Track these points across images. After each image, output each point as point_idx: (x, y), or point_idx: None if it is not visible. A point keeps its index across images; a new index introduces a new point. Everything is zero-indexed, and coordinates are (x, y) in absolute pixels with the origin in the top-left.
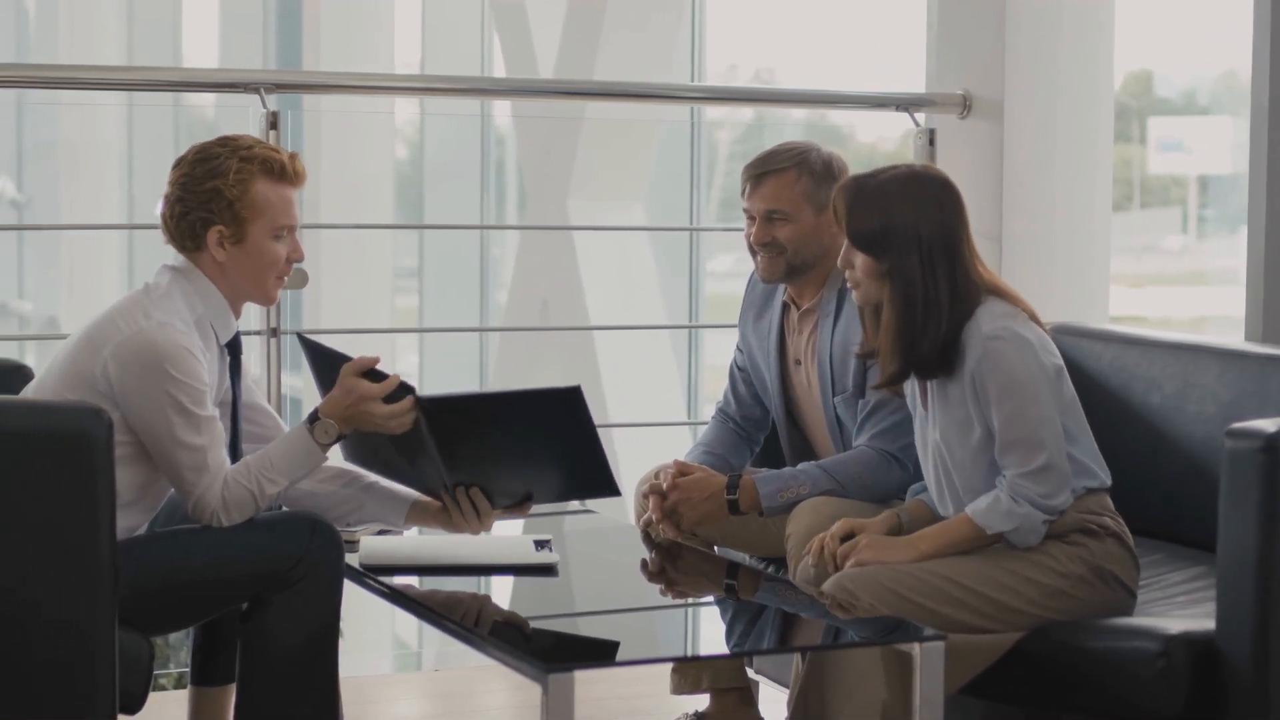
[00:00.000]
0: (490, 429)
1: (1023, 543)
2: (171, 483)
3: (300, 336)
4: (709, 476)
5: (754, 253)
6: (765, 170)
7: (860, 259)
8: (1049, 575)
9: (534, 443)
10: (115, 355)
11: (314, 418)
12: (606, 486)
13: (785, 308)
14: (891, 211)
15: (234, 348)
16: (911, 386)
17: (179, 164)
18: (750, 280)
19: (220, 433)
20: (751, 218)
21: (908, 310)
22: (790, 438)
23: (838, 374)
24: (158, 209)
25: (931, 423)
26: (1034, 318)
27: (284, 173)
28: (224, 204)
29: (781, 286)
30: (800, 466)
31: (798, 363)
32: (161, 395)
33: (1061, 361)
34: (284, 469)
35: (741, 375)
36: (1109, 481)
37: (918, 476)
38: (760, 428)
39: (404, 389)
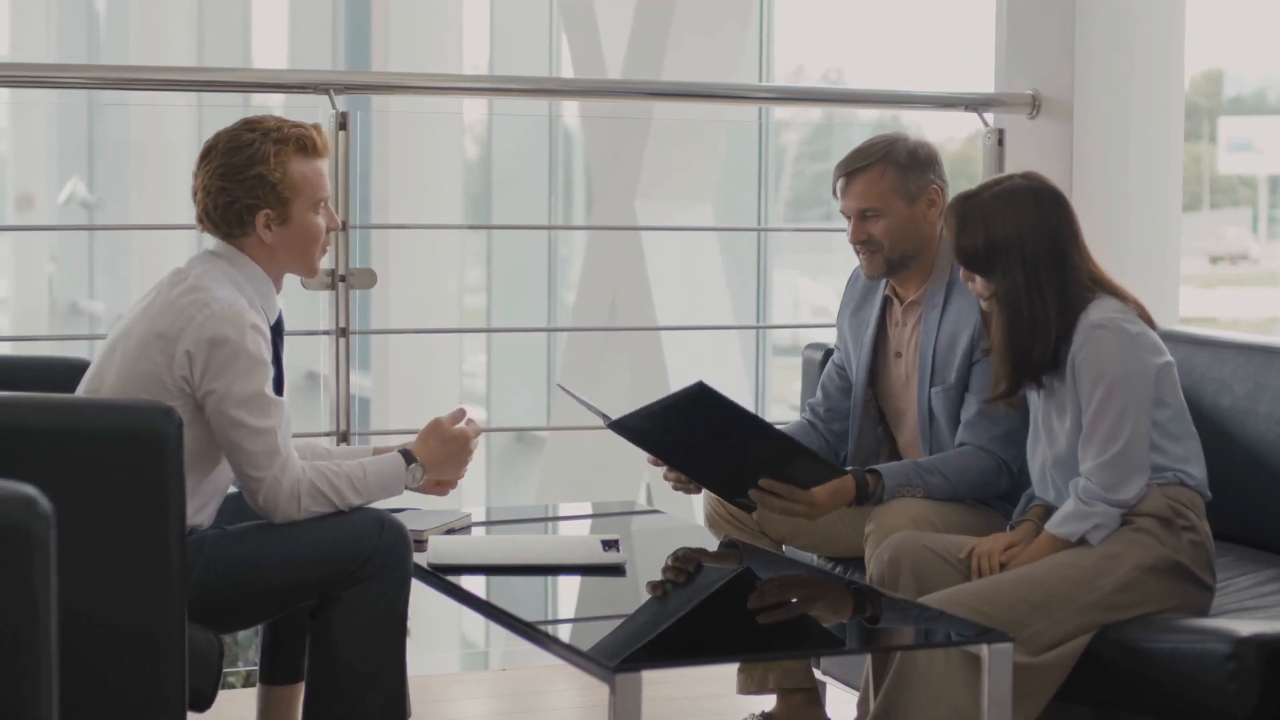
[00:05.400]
0: (678, 434)
1: (1099, 539)
2: (238, 471)
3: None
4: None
5: (857, 251)
6: (852, 169)
7: (977, 276)
8: (1119, 566)
9: (720, 435)
10: (197, 343)
11: (410, 459)
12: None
13: (887, 301)
14: (994, 230)
15: (278, 329)
16: None
17: (208, 157)
18: (851, 277)
19: (288, 417)
20: (848, 217)
21: (1014, 327)
22: (862, 430)
23: (939, 366)
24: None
25: (1042, 410)
26: (1146, 316)
27: (315, 147)
28: (269, 188)
29: (884, 280)
30: (921, 465)
31: (898, 355)
32: (237, 378)
33: (1169, 361)
34: (376, 488)
35: (837, 370)
36: (1208, 489)
37: (1016, 481)
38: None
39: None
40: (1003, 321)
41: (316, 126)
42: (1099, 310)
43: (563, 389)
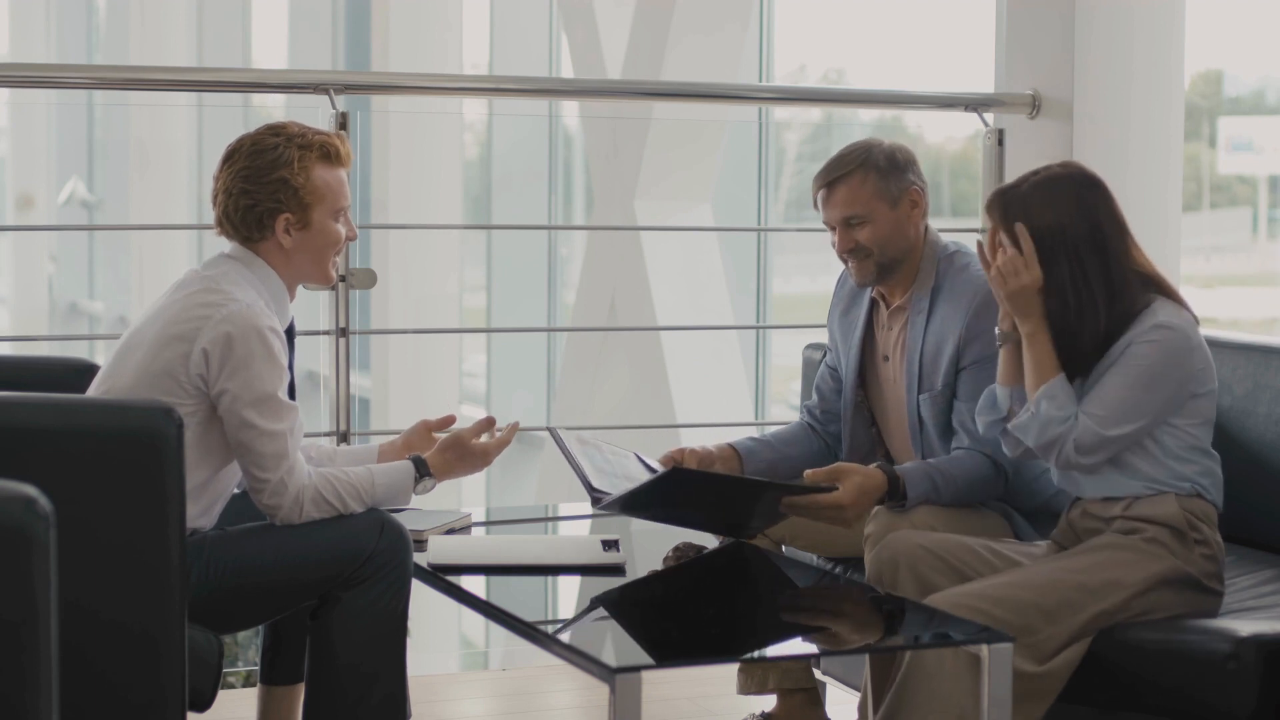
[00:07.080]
0: (665, 502)
1: (1028, 434)
2: (245, 470)
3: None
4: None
5: (845, 260)
6: (832, 178)
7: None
8: (1131, 576)
9: (707, 498)
10: (213, 342)
11: (423, 470)
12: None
13: (874, 304)
14: (1035, 220)
15: (290, 334)
16: None
17: (231, 159)
18: (840, 277)
19: (300, 422)
20: (832, 228)
21: (1062, 317)
22: (854, 431)
23: (926, 373)
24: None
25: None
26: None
27: (338, 156)
28: (290, 192)
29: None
30: (941, 473)
31: (886, 358)
32: (252, 379)
33: (1215, 387)
34: (383, 499)
35: (831, 372)
36: (1221, 502)
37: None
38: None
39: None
40: (1052, 309)
41: (340, 135)
42: (1166, 312)
43: (553, 434)
